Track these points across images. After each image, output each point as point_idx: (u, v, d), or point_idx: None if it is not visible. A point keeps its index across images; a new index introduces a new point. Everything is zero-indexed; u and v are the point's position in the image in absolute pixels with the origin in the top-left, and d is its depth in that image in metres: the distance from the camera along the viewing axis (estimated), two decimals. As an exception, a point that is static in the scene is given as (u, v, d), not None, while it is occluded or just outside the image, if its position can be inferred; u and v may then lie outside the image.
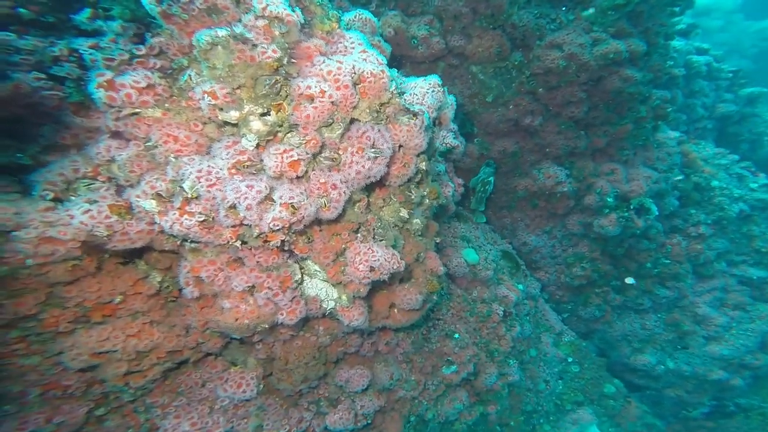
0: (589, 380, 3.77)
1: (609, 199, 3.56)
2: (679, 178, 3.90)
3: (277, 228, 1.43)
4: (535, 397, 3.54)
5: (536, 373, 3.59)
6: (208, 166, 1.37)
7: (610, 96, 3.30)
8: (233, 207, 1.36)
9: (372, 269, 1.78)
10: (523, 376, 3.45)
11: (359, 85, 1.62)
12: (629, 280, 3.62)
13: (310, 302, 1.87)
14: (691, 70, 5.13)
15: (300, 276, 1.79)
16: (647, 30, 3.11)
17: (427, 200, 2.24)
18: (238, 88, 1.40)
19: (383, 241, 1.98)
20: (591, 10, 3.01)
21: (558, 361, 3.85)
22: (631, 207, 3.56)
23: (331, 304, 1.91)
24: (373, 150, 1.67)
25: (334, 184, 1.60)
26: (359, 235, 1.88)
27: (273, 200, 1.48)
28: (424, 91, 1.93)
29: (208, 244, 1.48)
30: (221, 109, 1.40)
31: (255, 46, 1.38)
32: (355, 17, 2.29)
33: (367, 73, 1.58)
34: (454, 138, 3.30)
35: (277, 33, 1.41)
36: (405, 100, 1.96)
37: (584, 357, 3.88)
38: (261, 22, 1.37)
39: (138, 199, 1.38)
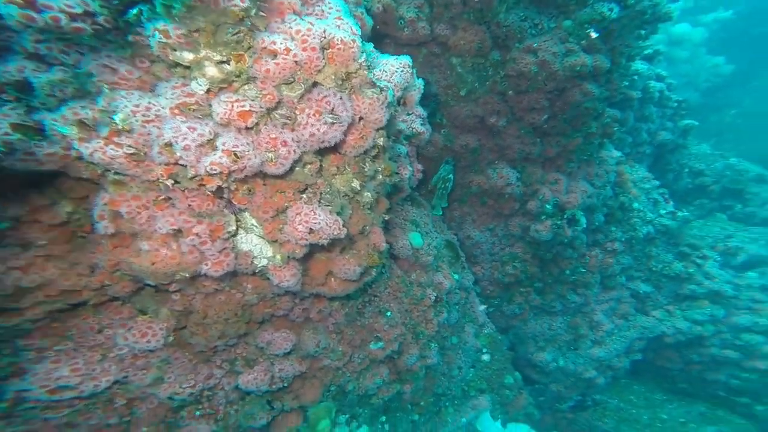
0: (495, 371, 4.12)
1: (548, 207, 3.81)
2: (610, 195, 4.26)
3: (215, 172, 1.32)
4: (447, 381, 3.79)
5: (453, 359, 3.84)
6: (149, 102, 1.22)
7: (570, 108, 3.47)
8: (169, 145, 1.22)
9: (311, 231, 1.74)
10: (441, 361, 3.67)
11: (328, 51, 1.55)
12: None
13: (241, 257, 1.78)
14: (646, 94, 5.50)
15: (234, 228, 1.70)
16: (613, 49, 3.29)
17: (381, 176, 2.22)
18: (195, 31, 1.24)
19: (329, 207, 1.93)
20: (570, 22, 3.09)
21: (474, 351, 4.14)
22: (564, 217, 3.84)
23: (264, 261, 1.84)
24: (331, 115, 1.60)
25: (285, 141, 1.51)
26: (305, 196, 1.82)
27: (216, 147, 1.35)
28: (394, 69, 1.87)
29: (135, 178, 1.32)
30: (174, 50, 1.25)
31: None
32: None
33: (338, 39, 1.50)
34: (421, 124, 3.29)
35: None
36: (374, 74, 1.90)
37: (496, 349, 4.22)
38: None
39: (55, 123, 1.19)
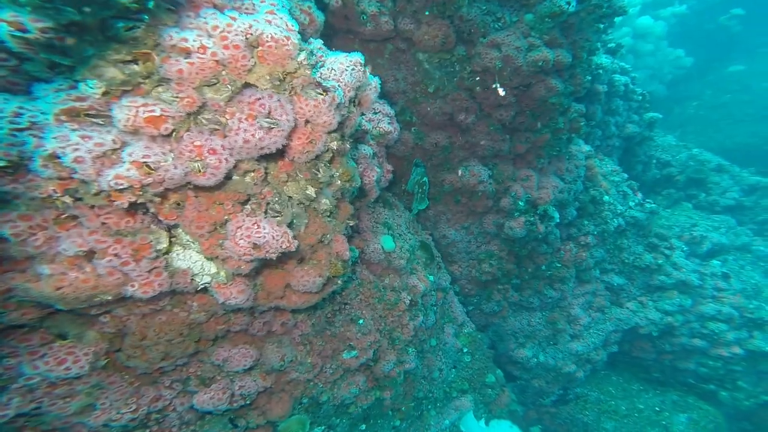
0: (476, 370, 4.01)
1: (520, 203, 3.71)
2: (581, 189, 4.20)
3: (122, 187, 1.10)
4: (428, 384, 3.65)
5: (433, 361, 3.69)
6: (18, 107, 0.99)
7: (536, 104, 3.37)
8: (54, 156, 1.00)
9: (255, 246, 1.54)
10: (420, 364, 3.52)
11: (258, 49, 1.34)
12: None
13: (178, 275, 1.57)
14: (612, 88, 5.52)
15: (166, 245, 1.48)
16: (574, 42, 3.21)
17: (339, 181, 2.04)
18: (73, 25, 1.02)
19: (278, 218, 1.74)
20: (531, 15, 2.97)
21: (455, 351, 4.01)
22: (537, 213, 3.74)
23: (206, 279, 1.64)
24: (267, 119, 1.41)
25: (213, 148, 1.31)
26: (248, 207, 1.61)
27: (122, 158, 1.14)
28: (344, 68, 1.69)
29: (20, 196, 1.09)
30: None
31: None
32: None
33: (268, 36, 1.31)
34: (389, 123, 3.12)
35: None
36: (320, 73, 1.70)
37: (477, 348, 4.11)
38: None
39: None
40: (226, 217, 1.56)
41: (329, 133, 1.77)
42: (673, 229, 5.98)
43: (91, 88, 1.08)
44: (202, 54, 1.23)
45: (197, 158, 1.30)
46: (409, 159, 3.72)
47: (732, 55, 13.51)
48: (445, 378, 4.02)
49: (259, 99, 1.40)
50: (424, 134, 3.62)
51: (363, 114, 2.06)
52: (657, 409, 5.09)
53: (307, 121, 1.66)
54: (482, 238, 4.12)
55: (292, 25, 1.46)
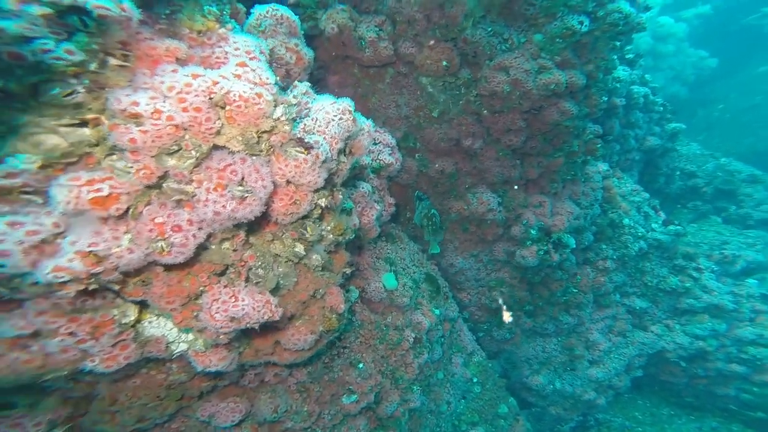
0: (487, 401, 3.73)
1: (533, 232, 3.43)
2: (598, 213, 3.88)
3: (64, 280, 0.95)
4: (435, 418, 3.41)
5: (440, 395, 3.45)
6: None
7: (548, 128, 3.10)
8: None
9: (234, 319, 1.37)
10: (426, 400, 3.28)
11: (226, 108, 1.16)
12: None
13: (150, 344, 1.43)
14: (630, 101, 5.19)
15: (134, 317, 1.33)
16: (589, 62, 2.92)
17: (331, 236, 1.85)
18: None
19: (261, 283, 1.57)
20: (541, 36, 2.72)
21: (464, 381, 3.76)
22: (551, 241, 3.45)
23: (183, 346, 1.47)
24: (240, 188, 1.23)
25: (178, 225, 1.14)
26: (226, 276, 1.45)
27: (62, 247, 0.98)
28: (329, 117, 1.51)
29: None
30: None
31: (27, 39, 0.85)
32: (266, 13, 1.76)
33: (235, 95, 1.14)
34: (389, 154, 2.93)
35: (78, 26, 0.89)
36: (303, 126, 1.52)
37: (488, 378, 3.84)
38: (39, 10, 0.85)
39: None
40: (201, 288, 1.40)
41: (316, 191, 1.58)
42: (701, 246, 5.50)
43: (21, 163, 0.93)
44: (157, 119, 1.06)
45: (159, 237, 1.14)
46: (414, 186, 3.51)
47: (762, 55, 12.59)
48: (454, 410, 3.76)
49: (230, 165, 1.23)
50: (428, 161, 3.40)
51: (376, 143, 1.88)
52: (695, 434, 4.65)
53: (289, 182, 1.48)
54: (492, 266, 3.85)
55: (267, 78, 1.29)
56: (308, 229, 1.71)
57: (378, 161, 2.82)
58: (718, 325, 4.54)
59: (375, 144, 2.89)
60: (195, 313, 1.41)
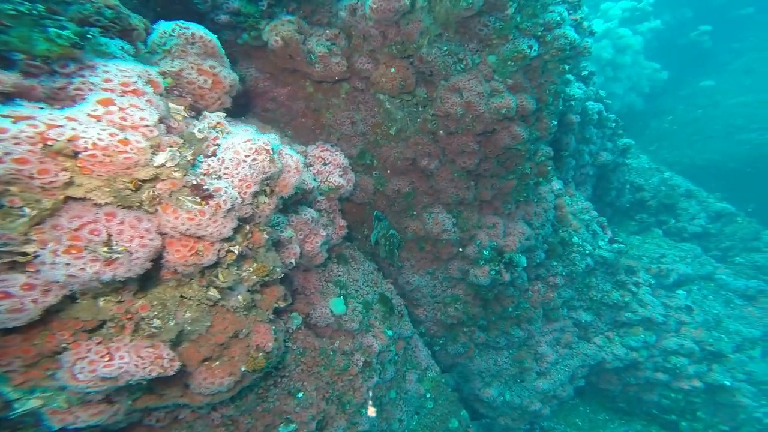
0: (439, 416, 3.66)
1: (485, 252, 3.34)
2: (549, 232, 3.84)
3: None
4: (386, 439, 3.26)
5: (392, 413, 3.33)
6: None
7: (501, 151, 2.98)
8: None
9: (106, 379, 1.11)
10: (378, 420, 3.13)
11: (81, 156, 0.90)
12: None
13: None
14: (585, 117, 5.31)
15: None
16: (540, 86, 2.86)
17: (254, 277, 1.61)
18: None
19: (157, 335, 1.31)
20: (495, 57, 2.57)
21: (417, 397, 3.66)
22: (502, 261, 3.37)
23: (33, 403, 1.20)
24: (106, 249, 0.96)
25: (5, 291, 0.87)
26: (102, 332, 1.18)
27: None
28: (240, 158, 1.28)
29: None
30: None
31: None
32: (172, 31, 1.47)
33: (86, 143, 0.87)
34: (340, 176, 2.71)
35: None
36: (208, 167, 1.27)
37: (440, 393, 3.76)
38: None
39: None
40: (63, 345, 1.13)
41: (225, 240, 1.34)
42: (643, 260, 5.71)
43: None
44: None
45: None
46: (371, 204, 3.30)
47: (703, 69, 13.26)
48: (407, 427, 3.66)
49: (88, 223, 0.98)
50: (385, 180, 3.21)
51: (282, 198, 1.65)
52: (621, 437, 4.87)
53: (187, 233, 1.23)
54: (447, 283, 3.75)
55: (142, 118, 1.04)
56: (220, 276, 1.48)
57: (327, 183, 2.60)
58: (649, 336, 4.75)
59: (325, 165, 2.66)
60: (49, 372, 1.14)
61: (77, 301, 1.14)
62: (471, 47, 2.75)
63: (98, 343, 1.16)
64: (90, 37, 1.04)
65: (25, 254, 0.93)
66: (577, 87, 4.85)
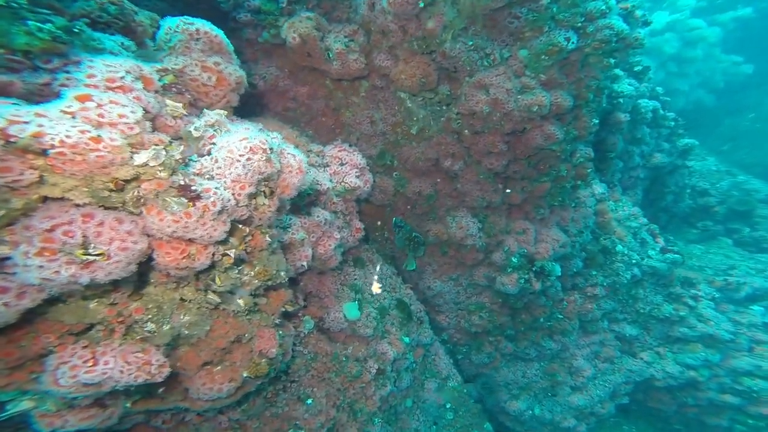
0: (459, 428, 3.41)
1: (513, 259, 3.02)
2: (589, 240, 3.41)
3: None
4: (400, 448, 3.08)
5: (408, 423, 3.15)
6: None
7: (532, 151, 2.65)
8: None
9: (89, 385, 1.07)
10: (391, 430, 2.96)
11: (49, 153, 0.83)
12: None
13: None
14: (637, 116, 4.69)
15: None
16: (579, 81, 2.49)
17: (256, 281, 1.51)
18: None
19: (153, 337, 1.26)
20: (526, 51, 2.26)
21: (436, 407, 3.42)
22: (533, 269, 3.03)
23: (25, 405, 1.18)
24: (82, 251, 0.90)
25: None
26: (90, 336, 1.14)
27: None
28: (233, 157, 1.19)
29: None
30: None
31: None
32: (176, 27, 1.41)
33: (53, 139, 0.81)
34: (357, 177, 2.58)
35: None
36: (201, 167, 1.19)
37: (461, 404, 3.50)
38: None
39: None
40: (49, 348, 1.10)
41: (217, 243, 1.25)
42: (705, 271, 4.91)
43: None
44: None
45: None
46: (391, 206, 3.13)
47: (805, 63, 11.17)
48: (424, 436, 3.43)
49: (62, 224, 0.92)
50: (406, 180, 3.03)
51: (289, 198, 1.54)
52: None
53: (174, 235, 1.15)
54: (472, 290, 3.47)
55: (122, 115, 0.97)
56: (217, 279, 1.40)
57: (343, 184, 2.48)
58: (712, 355, 4.07)
59: (341, 165, 2.55)
60: (34, 375, 1.11)
61: (64, 303, 1.11)
62: (500, 41, 2.46)
63: (84, 347, 1.13)
64: (77, 31, 1.00)
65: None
66: (627, 83, 4.28)
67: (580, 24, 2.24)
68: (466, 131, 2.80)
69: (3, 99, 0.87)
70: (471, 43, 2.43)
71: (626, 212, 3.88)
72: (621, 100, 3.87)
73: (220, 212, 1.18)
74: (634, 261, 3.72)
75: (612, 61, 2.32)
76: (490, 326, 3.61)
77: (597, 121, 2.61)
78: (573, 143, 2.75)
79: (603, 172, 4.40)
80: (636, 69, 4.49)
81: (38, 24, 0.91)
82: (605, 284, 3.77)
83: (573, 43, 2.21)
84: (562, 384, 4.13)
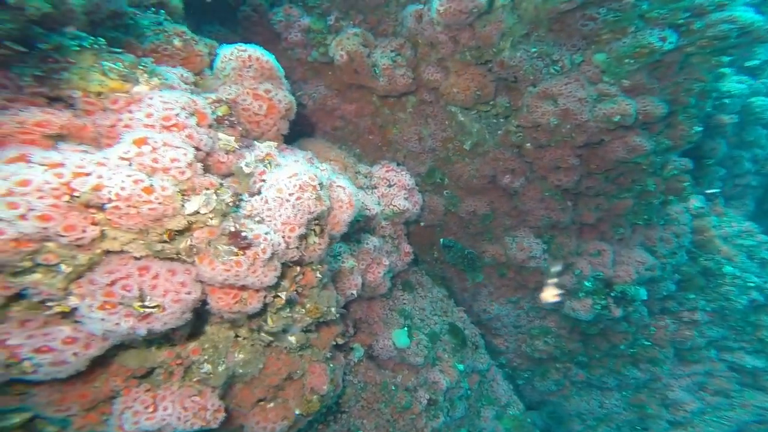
0: (523, 462, 2.99)
1: (587, 283, 2.63)
2: (684, 261, 2.83)
3: None
4: (455, 481, 2.82)
5: (463, 455, 2.85)
6: None
7: (611, 165, 2.24)
8: None
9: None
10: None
11: (108, 207, 0.82)
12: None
13: None
14: (748, 116, 3.85)
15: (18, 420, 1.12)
16: (676, 85, 2.02)
17: (307, 318, 1.44)
18: None
19: (209, 378, 1.24)
20: (603, 55, 1.90)
21: (495, 438, 3.08)
22: (611, 294, 2.58)
23: None
24: (139, 303, 0.88)
25: (48, 347, 0.84)
26: (151, 379, 1.14)
27: None
28: (283, 197, 1.12)
29: None
30: None
31: None
32: (231, 54, 1.40)
33: (110, 193, 0.78)
34: (405, 199, 2.43)
35: None
36: (251, 208, 1.13)
37: (525, 434, 3.08)
38: None
39: None
40: (116, 391, 1.12)
41: (267, 287, 1.19)
42: None
43: None
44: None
45: (11, 359, 0.87)
46: (441, 226, 2.92)
47: None
48: (481, 468, 3.12)
49: (120, 279, 0.91)
50: (458, 199, 2.79)
51: (340, 234, 1.44)
52: None
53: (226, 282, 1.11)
54: (535, 313, 3.10)
55: (176, 158, 0.95)
56: (269, 320, 1.35)
57: (392, 207, 2.35)
58: None
59: (389, 187, 2.42)
60: (104, 417, 1.13)
61: (130, 346, 1.13)
62: (569, 46, 2.12)
63: (146, 391, 1.14)
64: (142, 67, 1.00)
65: (62, 310, 0.93)
66: (736, 81, 3.51)
67: (681, 21, 1.82)
68: (528, 145, 2.48)
69: (74, 146, 0.89)
70: (534, 50, 2.13)
71: (736, 229, 3.13)
72: (726, 101, 3.15)
73: (270, 258, 1.12)
74: (752, 284, 2.99)
75: (725, 59, 1.84)
76: (557, 352, 3.19)
77: (700, 129, 2.10)
78: (664, 154, 2.26)
79: (699, 181, 3.66)
80: (747, 64, 3.64)
81: (110, 64, 0.92)
82: (709, 309, 3.09)
83: (671, 42, 1.79)
84: (654, 417, 3.52)
